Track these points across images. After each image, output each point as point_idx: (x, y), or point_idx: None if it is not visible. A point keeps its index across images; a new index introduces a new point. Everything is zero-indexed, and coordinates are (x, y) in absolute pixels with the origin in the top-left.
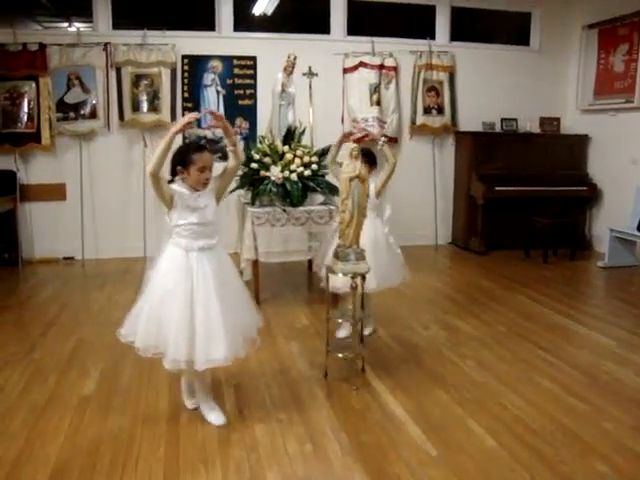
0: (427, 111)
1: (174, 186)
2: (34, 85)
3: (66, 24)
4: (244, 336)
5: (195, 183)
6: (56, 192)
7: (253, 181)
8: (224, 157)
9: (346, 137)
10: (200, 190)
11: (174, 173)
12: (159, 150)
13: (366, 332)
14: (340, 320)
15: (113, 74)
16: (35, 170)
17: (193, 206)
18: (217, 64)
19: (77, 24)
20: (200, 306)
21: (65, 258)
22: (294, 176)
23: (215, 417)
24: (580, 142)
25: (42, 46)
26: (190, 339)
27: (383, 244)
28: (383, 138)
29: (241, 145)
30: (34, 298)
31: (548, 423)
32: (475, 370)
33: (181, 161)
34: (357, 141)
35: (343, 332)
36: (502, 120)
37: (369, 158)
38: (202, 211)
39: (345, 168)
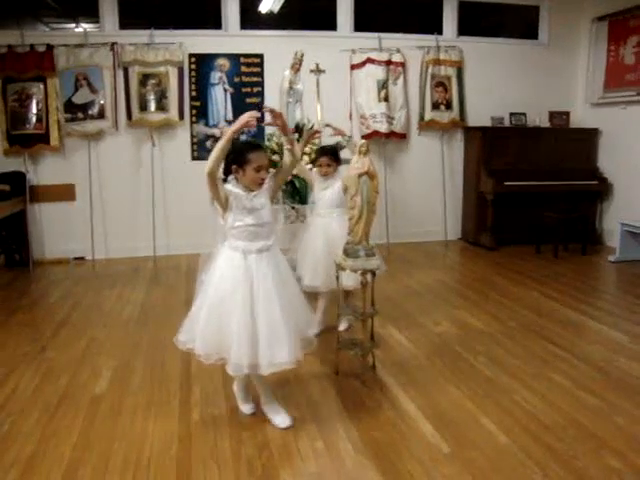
0: (435, 107)
1: (229, 186)
2: (42, 86)
3: (73, 25)
4: (301, 337)
5: (250, 183)
6: (66, 193)
7: None
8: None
9: (312, 135)
10: (255, 190)
11: (227, 172)
12: (217, 149)
13: (341, 328)
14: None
15: (120, 74)
16: (44, 171)
17: (249, 207)
18: (224, 62)
19: (84, 24)
20: (262, 309)
21: (75, 258)
22: None
23: (281, 420)
24: (590, 136)
25: (49, 47)
26: (253, 343)
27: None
28: (348, 134)
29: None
30: (45, 298)
31: (560, 419)
32: (486, 366)
33: (237, 160)
34: (366, 137)
35: (343, 325)
36: (511, 115)
37: (333, 155)
38: (258, 212)
39: (354, 164)
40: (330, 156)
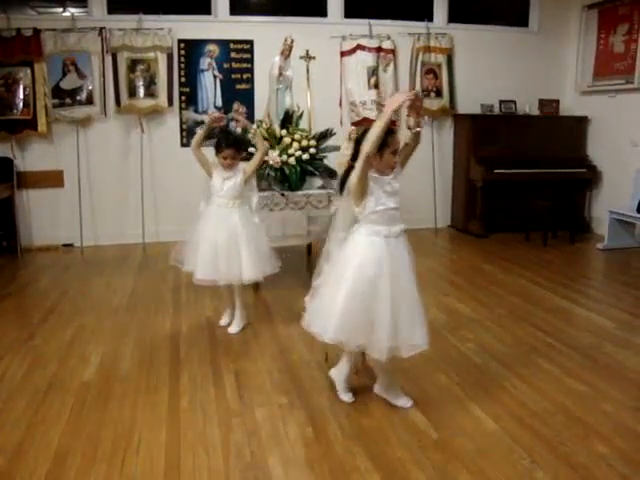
0: (425, 94)
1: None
2: (29, 71)
3: (60, 9)
4: None
5: (385, 167)
6: (54, 179)
7: None
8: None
9: (215, 121)
10: (388, 174)
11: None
12: (377, 131)
13: (233, 330)
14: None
15: (109, 59)
16: (32, 157)
17: (390, 190)
18: (214, 48)
19: (71, 9)
20: (403, 292)
21: (64, 245)
22: (292, 160)
23: (404, 401)
24: (579, 124)
25: (36, 31)
26: (396, 327)
27: (254, 233)
28: (254, 126)
29: (239, 129)
30: (34, 285)
31: (548, 405)
32: (475, 353)
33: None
34: (356, 124)
35: (225, 320)
36: (501, 102)
37: (235, 144)
38: (397, 195)
39: (344, 151)
40: (235, 148)
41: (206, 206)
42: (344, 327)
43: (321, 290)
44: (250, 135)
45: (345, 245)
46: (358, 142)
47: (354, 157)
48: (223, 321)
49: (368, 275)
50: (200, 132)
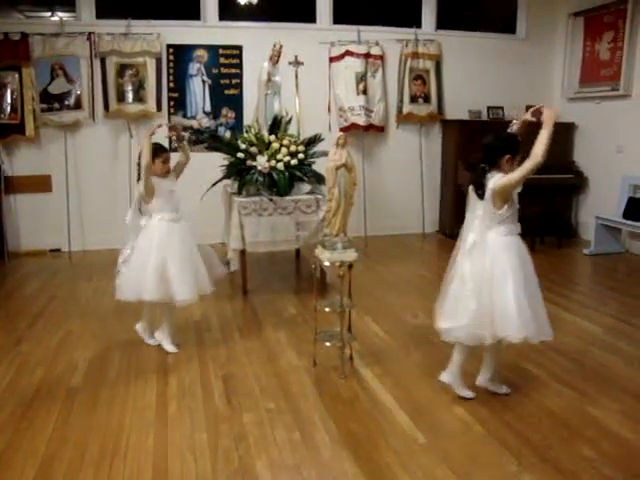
0: (414, 100)
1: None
2: (17, 75)
3: (49, 13)
4: None
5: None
6: (41, 184)
7: (240, 171)
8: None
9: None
10: None
11: (493, 162)
12: (548, 140)
13: (169, 348)
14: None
15: (97, 64)
16: (20, 162)
17: (513, 193)
18: (202, 53)
19: (60, 13)
20: (529, 285)
21: (52, 250)
22: (281, 165)
23: (505, 389)
24: (566, 130)
25: (24, 35)
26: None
27: (194, 247)
28: (186, 134)
29: (227, 134)
30: (21, 290)
31: (536, 409)
32: None
33: (511, 149)
34: (344, 130)
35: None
36: (488, 108)
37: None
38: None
39: (332, 157)
40: (169, 153)
41: (146, 222)
42: (526, 323)
43: (469, 294)
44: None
45: (482, 248)
46: (495, 148)
47: (489, 161)
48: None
49: (521, 271)
50: (147, 144)
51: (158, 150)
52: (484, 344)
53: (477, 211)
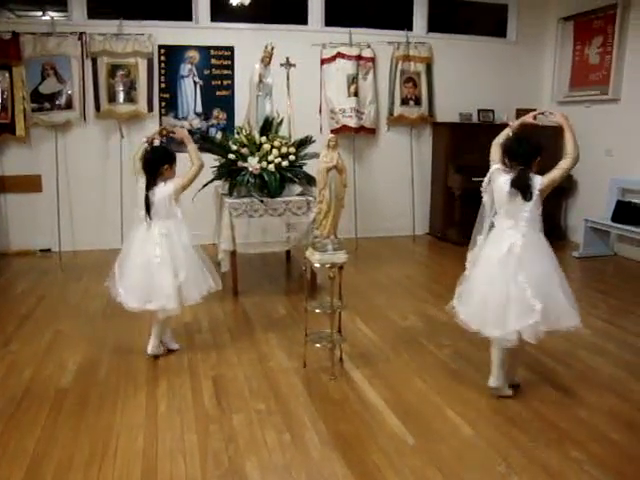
0: (404, 102)
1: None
2: (7, 75)
3: (40, 13)
4: None
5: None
6: (32, 184)
7: (230, 172)
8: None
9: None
10: None
11: (528, 164)
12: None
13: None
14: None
15: (89, 64)
16: (10, 161)
17: None
18: (194, 54)
19: (51, 13)
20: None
21: (41, 250)
22: (272, 167)
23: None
24: (556, 133)
25: (15, 35)
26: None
27: (191, 252)
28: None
29: (219, 136)
30: (10, 291)
31: (524, 411)
32: (452, 359)
33: (541, 152)
34: (335, 132)
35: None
36: (479, 111)
37: (166, 156)
38: None
39: (323, 158)
40: (166, 158)
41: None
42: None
43: (531, 297)
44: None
45: (532, 249)
46: (532, 152)
47: (527, 164)
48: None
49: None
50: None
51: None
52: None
53: (522, 213)
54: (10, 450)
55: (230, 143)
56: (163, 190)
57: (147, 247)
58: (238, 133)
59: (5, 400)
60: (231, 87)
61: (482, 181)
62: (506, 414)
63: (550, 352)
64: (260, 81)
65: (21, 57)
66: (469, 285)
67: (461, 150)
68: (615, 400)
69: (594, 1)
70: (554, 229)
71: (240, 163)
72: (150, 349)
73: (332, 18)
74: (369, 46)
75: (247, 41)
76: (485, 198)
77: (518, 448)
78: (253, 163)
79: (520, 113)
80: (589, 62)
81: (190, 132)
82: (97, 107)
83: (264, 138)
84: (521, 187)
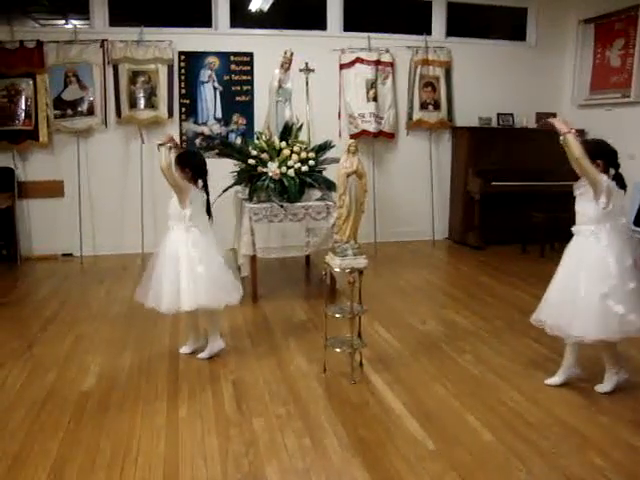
0: (424, 106)
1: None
2: (31, 82)
3: (63, 21)
4: None
5: None
6: (54, 189)
7: (251, 177)
8: (220, 153)
9: (170, 140)
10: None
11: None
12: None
13: (186, 350)
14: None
15: (110, 71)
16: (33, 167)
17: None
18: (214, 60)
19: (74, 21)
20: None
21: (63, 255)
22: (291, 172)
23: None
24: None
25: (39, 43)
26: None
27: (208, 256)
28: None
29: (238, 141)
30: (33, 294)
31: (545, 417)
32: (472, 364)
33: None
34: (355, 137)
35: (186, 348)
36: (498, 115)
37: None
38: None
39: (343, 164)
40: (180, 166)
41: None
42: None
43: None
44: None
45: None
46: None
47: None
48: (185, 349)
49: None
50: (165, 151)
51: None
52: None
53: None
54: (34, 452)
55: (250, 148)
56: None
57: (182, 250)
58: (258, 138)
59: (29, 403)
60: (250, 93)
61: (503, 185)
62: (527, 420)
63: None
64: (279, 86)
65: (44, 65)
66: None
67: (480, 154)
68: (639, 406)
69: (615, 3)
70: None
71: (260, 168)
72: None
73: (351, 23)
74: (388, 51)
75: (266, 47)
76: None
77: (539, 454)
78: (273, 168)
79: (540, 117)
80: (610, 65)
81: (210, 137)
82: (118, 113)
83: (284, 143)
84: (621, 182)
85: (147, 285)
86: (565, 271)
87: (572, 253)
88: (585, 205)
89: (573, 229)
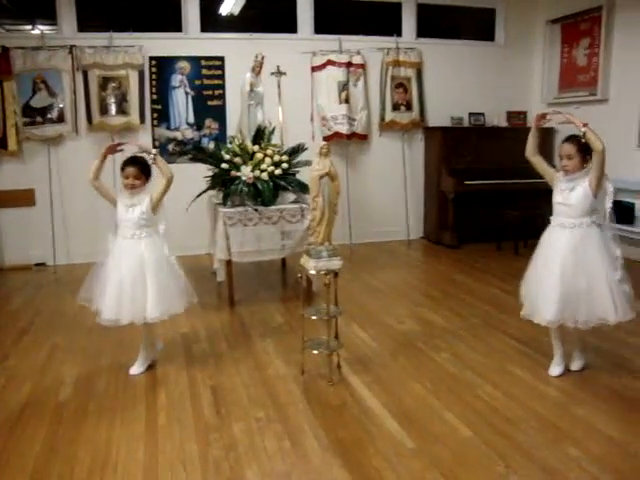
0: (396, 107)
1: None
2: None
3: (29, 27)
4: None
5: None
6: (25, 198)
7: (224, 181)
8: (193, 158)
9: (110, 151)
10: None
11: None
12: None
13: (134, 371)
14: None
15: (80, 77)
16: (3, 176)
17: None
18: (185, 65)
19: (41, 26)
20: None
21: (37, 264)
22: (265, 175)
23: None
24: (547, 135)
25: (5, 49)
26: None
27: (164, 265)
28: (154, 150)
29: (211, 145)
30: (6, 305)
31: (521, 411)
32: (450, 362)
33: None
34: (328, 139)
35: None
36: (470, 115)
37: (139, 163)
38: None
39: (315, 166)
40: (139, 167)
41: (114, 239)
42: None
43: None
44: (150, 160)
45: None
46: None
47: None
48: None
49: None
50: (96, 162)
51: (123, 164)
52: None
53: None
54: (11, 464)
55: (223, 153)
56: (143, 202)
57: (125, 260)
58: (230, 142)
59: (4, 414)
60: (222, 97)
61: (476, 184)
62: (504, 415)
63: (546, 352)
64: (251, 90)
65: (11, 71)
66: None
67: (453, 154)
68: (613, 398)
69: (580, 4)
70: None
71: (233, 172)
72: (139, 369)
73: (321, 26)
74: (359, 53)
75: (237, 51)
76: None
77: (517, 448)
78: (246, 172)
79: (511, 115)
80: (577, 64)
81: (183, 142)
82: (89, 120)
83: (257, 147)
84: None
85: (98, 291)
86: (563, 263)
87: (564, 246)
88: (581, 198)
89: (562, 222)
